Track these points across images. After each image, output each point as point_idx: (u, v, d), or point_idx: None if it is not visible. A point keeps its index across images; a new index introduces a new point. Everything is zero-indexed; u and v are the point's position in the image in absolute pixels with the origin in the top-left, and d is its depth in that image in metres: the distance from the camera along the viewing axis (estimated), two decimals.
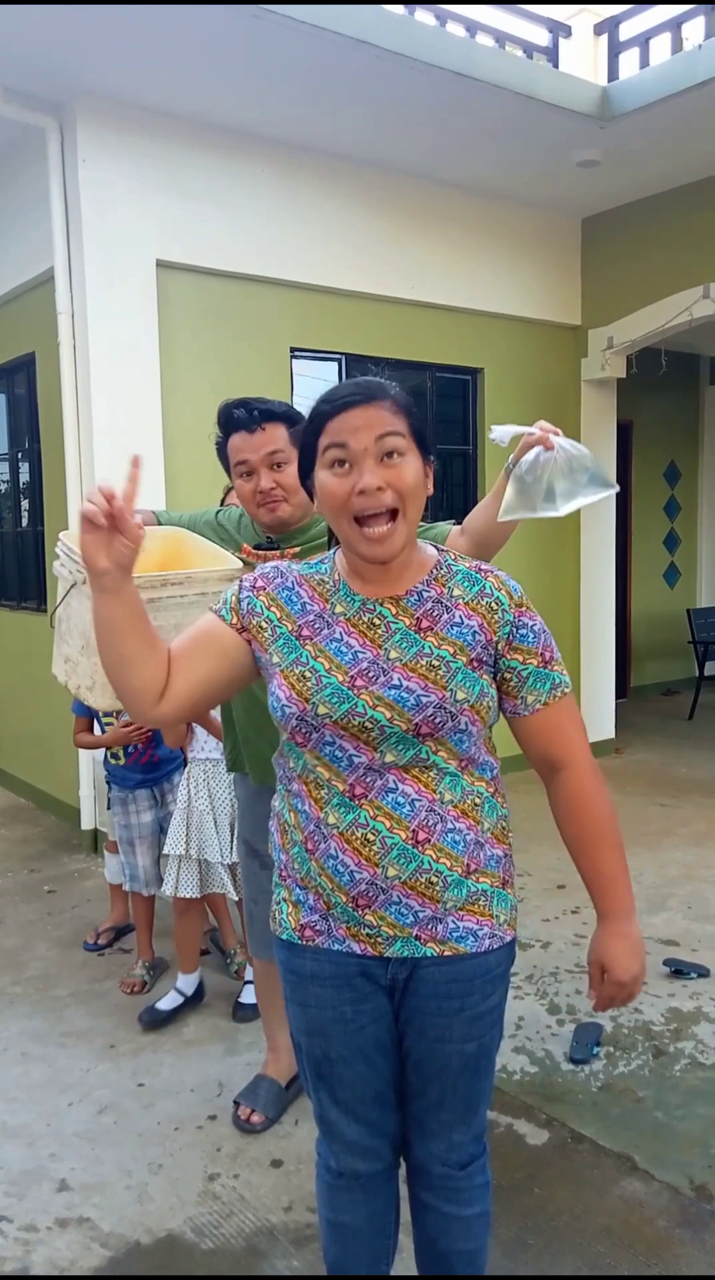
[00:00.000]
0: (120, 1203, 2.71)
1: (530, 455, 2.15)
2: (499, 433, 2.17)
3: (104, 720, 3.86)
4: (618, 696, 7.88)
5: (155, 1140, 2.98)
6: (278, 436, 2.61)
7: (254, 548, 2.76)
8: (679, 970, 3.89)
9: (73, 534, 2.48)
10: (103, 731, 3.90)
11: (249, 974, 3.72)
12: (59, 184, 5.19)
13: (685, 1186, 2.69)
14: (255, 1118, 3.02)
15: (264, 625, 1.81)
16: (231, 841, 3.57)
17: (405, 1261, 2.24)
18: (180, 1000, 3.67)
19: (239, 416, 2.63)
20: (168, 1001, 3.66)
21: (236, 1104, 3.08)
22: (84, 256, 5.13)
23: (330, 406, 1.75)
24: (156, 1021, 3.59)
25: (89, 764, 5.46)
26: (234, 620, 1.83)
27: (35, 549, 6.31)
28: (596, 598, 7.55)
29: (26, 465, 6.40)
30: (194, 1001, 3.71)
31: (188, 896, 3.62)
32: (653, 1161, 2.80)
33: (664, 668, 10.19)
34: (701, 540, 10.60)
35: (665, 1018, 3.59)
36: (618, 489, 2.23)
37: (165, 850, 3.65)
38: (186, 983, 3.71)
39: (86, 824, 5.64)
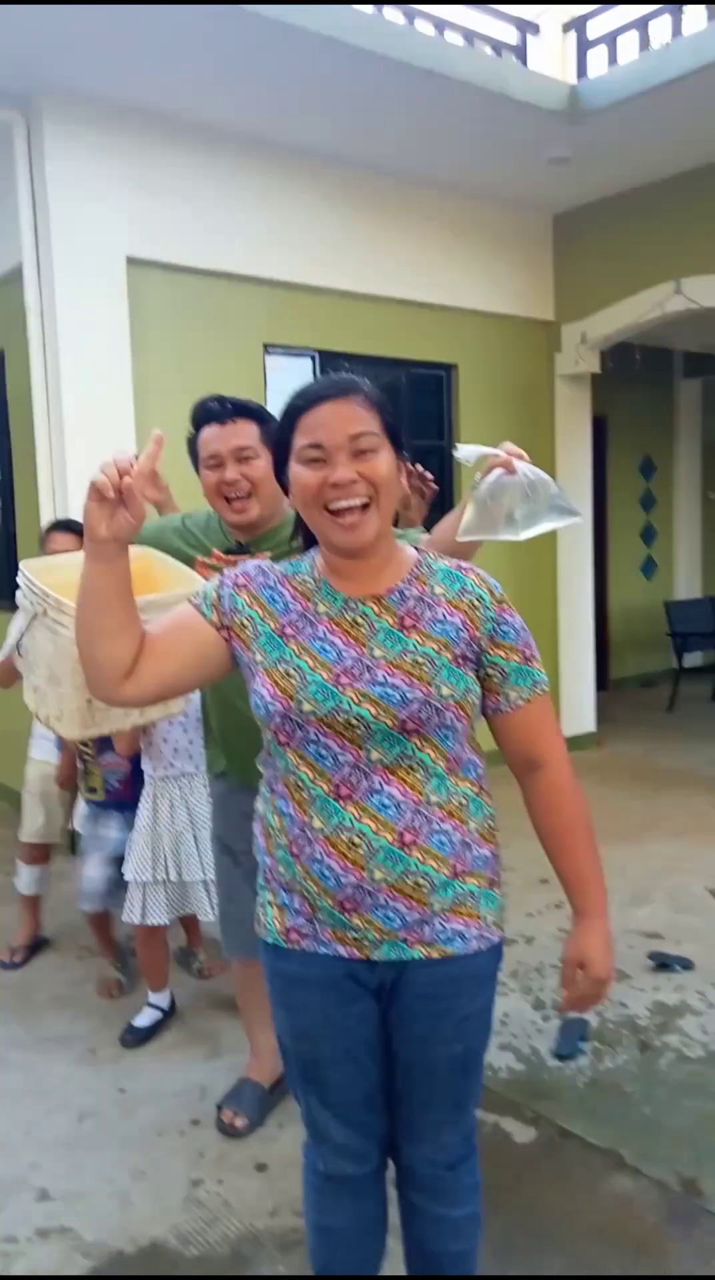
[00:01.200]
0: (102, 1211, 2.67)
1: (491, 476, 2.12)
2: (464, 452, 2.15)
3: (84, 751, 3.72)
4: (597, 689, 7.88)
5: (137, 1147, 2.94)
6: (248, 432, 2.62)
7: (224, 552, 2.74)
8: (664, 963, 3.88)
9: (34, 564, 2.48)
10: (83, 766, 3.75)
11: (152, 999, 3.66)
12: (26, 180, 5.12)
13: (674, 1182, 2.67)
14: (239, 1121, 2.98)
15: (246, 623, 1.80)
16: (202, 859, 3.45)
17: (394, 1265, 2.21)
18: (159, 1015, 3.60)
19: (212, 408, 2.64)
20: (145, 1018, 3.57)
21: (219, 1108, 3.05)
22: (53, 253, 5.07)
23: (304, 402, 1.76)
24: (139, 1039, 3.51)
25: None
26: (214, 617, 1.81)
27: (6, 549, 6.22)
28: (575, 591, 7.56)
29: None
30: (170, 1015, 3.64)
31: (157, 924, 3.47)
32: (641, 1157, 2.78)
33: (642, 660, 10.24)
34: (678, 533, 10.67)
35: (650, 1011, 3.58)
36: (580, 517, 2.22)
37: (127, 876, 3.48)
38: (160, 999, 3.63)
39: None
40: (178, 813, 3.45)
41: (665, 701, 9.04)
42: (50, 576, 2.44)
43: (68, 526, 4.07)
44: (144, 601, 2.38)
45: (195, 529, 2.85)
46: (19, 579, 2.44)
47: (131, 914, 3.48)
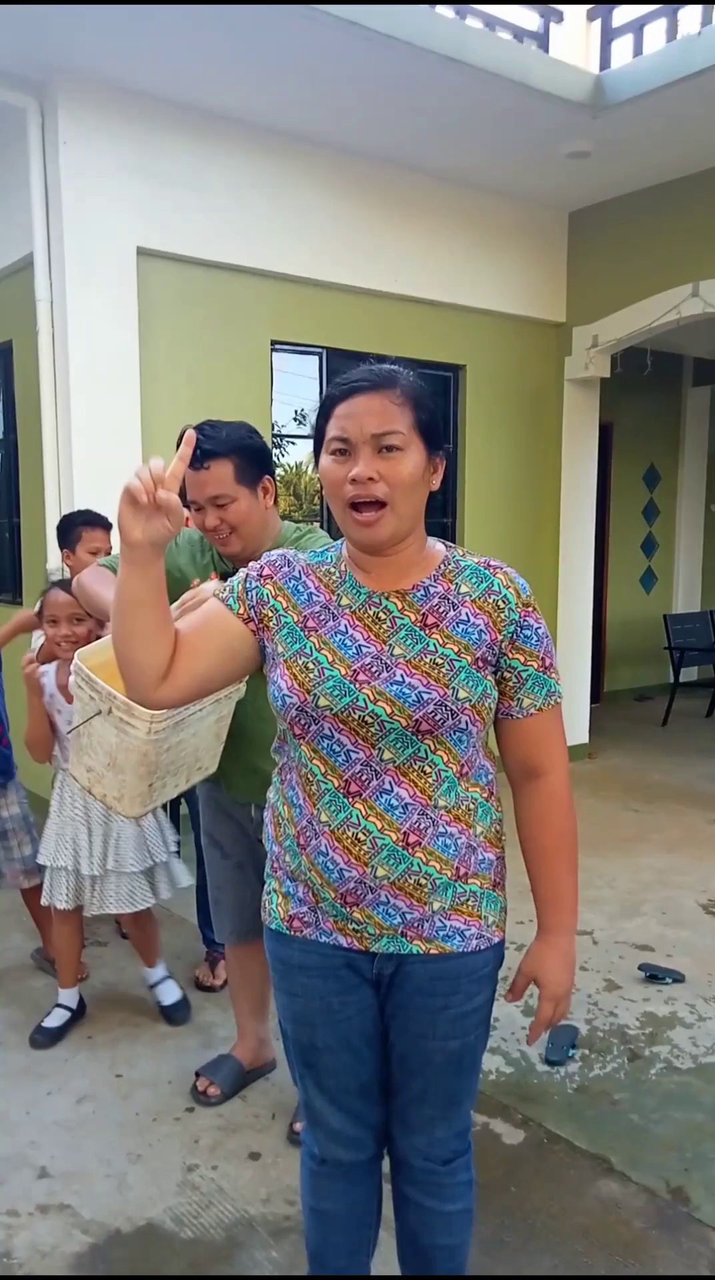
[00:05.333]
0: (100, 1191, 2.72)
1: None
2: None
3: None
4: (591, 701, 7.91)
5: (134, 1131, 2.99)
6: (222, 477, 2.58)
7: (222, 576, 2.76)
8: (654, 975, 3.93)
9: (88, 653, 2.56)
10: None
11: (155, 975, 3.67)
12: (39, 167, 5.07)
13: (661, 1189, 2.72)
14: (212, 1090, 3.13)
15: (270, 614, 1.81)
16: (105, 853, 3.41)
17: (384, 1256, 2.26)
18: (67, 1016, 3.55)
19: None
20: (54, 1019, 3.54)
21: (197, 1075, 3.19)
22: (64, 242, 5.03)
23: (339, 391, 1.75)
24: (49, 1040, 3.47)
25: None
26: (241, 610, 1.82)
27: (11, 541, 6.22)
28: (575, 602, 7.53)
29: (1, 455, 6.30)
30: (79, 1016, 3.60)
31: (61, 906, 3.47)
32: (629, 1163, 2.83)
33: (637, 673, 10.21)
34: (679, 545, 10.54)
35: (640, 1022, 3.63)
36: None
37: (39, 859, 3.50)
38: (68, 996, 3.59)
39: None
40: (76, 805, 3.42)
41: (660, 716, 9.05)
42: (97, 659, 2.55)
43: (95, 521, 4.09)
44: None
45: (186, 551, 2.88)
46: (73, 676, 2.51)
47: (44, 894, 3.51)
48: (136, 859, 3.44)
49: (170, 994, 3.66)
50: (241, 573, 1.88)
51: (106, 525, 4.02)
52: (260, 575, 1.85)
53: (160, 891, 3.56)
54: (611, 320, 6.92)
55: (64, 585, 3.32)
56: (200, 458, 2.55)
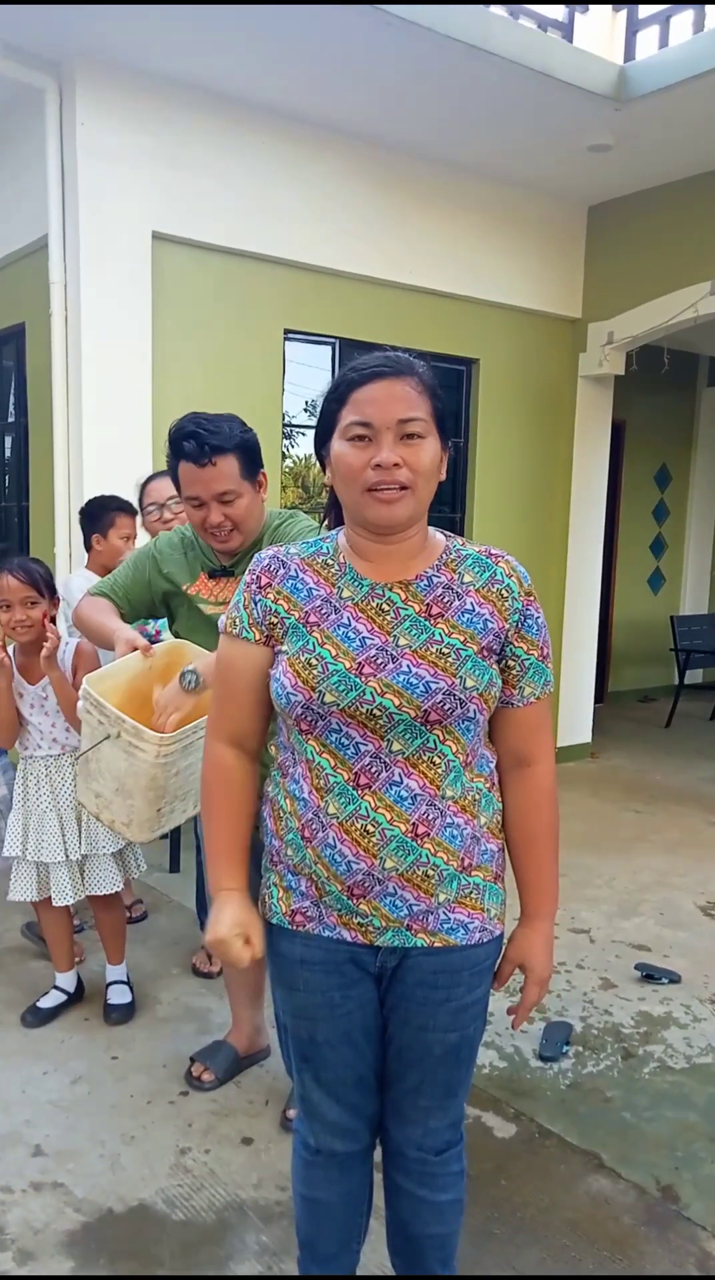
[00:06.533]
0: (93, 1170, 2.74)
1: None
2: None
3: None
4: (595, 701, 7.92)
5: (128, 1112, 3.01)
6: (228, 474, 2.56)
7: (209, 575, 2.79)
8: (650, 975, 3.94)
9: (96, 678, 2.61)
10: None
11: (113, 974, 3.65)
12: (56, 148, 5.05)
13: (651, 1187, 2.73)
14: (207, 1076, 3.16)
15: (277, 622, 1.80)
16: (80, 834, 3.43)
17: (375, 1246, 2.28)
18: (63, 998, 3.59)
19: (188, 449, 2.54)
20: (49, 1000, 3.57)
21: (192, 1060, 3.21)
22: (79, 224, 5.02)
23: (358, 375, 1.75)
24: (39, 1020, 3.49)
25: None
26: (257, 636, 1.82)
27: (20, 525, 6.23)
28: (581, 600, 7.51)
29: (11, 438, 6.31)
30: (75, 999, 3.63)
31: (25, 900, 3.48)
32: (619, 1160, 2.84)
33: (642, 674, 10.20)
34: (689, 546, 10.52)
35: (635, 1021, 3.64)
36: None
37: (4, 851, 3.49)
38: (65, 980, 3.62)
39: None
40: (41, 792, 3.41)
41: (663, 718, 9.06)
42: (104, 685, 2.58)
43: (126, 507, 4.08)
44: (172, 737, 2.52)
45: (173, 550, 2.88)
46: (82, 701, 2.53)
47: (12, 889, 3.49)
48: (109, 841, 3.46)
49: (122, 996, 3.61)
50: (241, 593, 1.86)
51: (133, 511, 4.05)
52: (260, 586, 1.83)
53: (130, 870, 3.59)
54: (628, 317, 6.87)
55: (17, 569, 3.28)
56: (208, 453, 2.52)
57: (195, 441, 2.52)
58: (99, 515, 4.06)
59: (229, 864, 1.88)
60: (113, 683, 2.64)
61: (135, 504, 4.05)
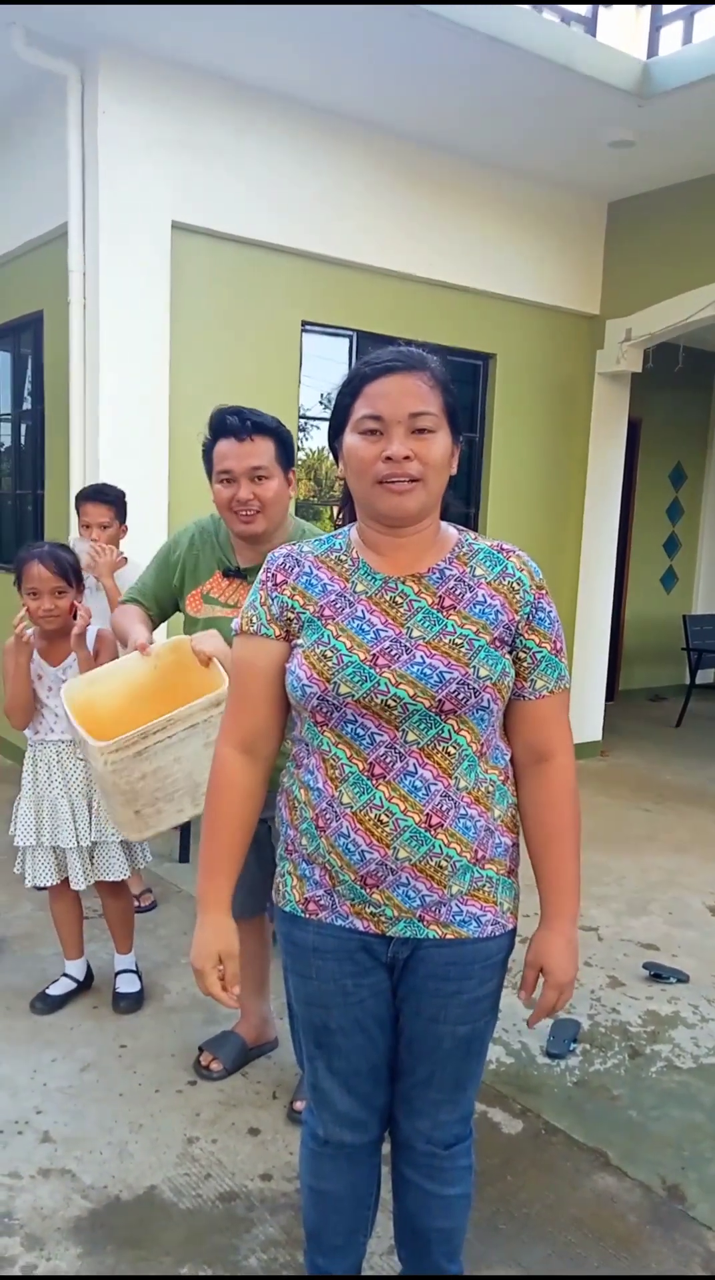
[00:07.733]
0: (101, 1158, 2.76)
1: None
2: None
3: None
4: (606, 699, 7.90)
5: (136, 1101, 3.02)
6: (264, 451, 2.64)
7: (223, 574, 2.83)
8: (658, 974, 3.94)
9: (75, 686, 2.70)
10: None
11: (122, 963, 3.66)
12: (77, 136, 5.06)
13: (657, 1186, 2.74)
14: (215, 1065, 3.18)
15: (293, 617, 1.82)
16: (90, 821, 3.41)
17: (382, 1240, 2.28)
18: (72, 986, 3.61)
19: (231, 423, 2.64)
20: (59, 987, 3.59)
21: (201, 1049, 3.23)
22: (99, 213, 5.02)
23: (371, 369, 1.76)
24: (49, 1007, 3.51)
25: None
26: (277, 631, 1.83)
27: (34, 511, 6.25)
28: (594, 597, 7.51)
29: (28, 425, 6.32)
30: (85, 987, 3.65)
31: (45, 885, 3.47)
32: (625, 1159, 2.84)
33: (653, 673, 10.19)
34: (702, 545, 10.49)
35: (643, 1020, 3.64)
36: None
37: (16, 841, 3.47)
38: (75, 968, 3.64)
39: None
40: (53, 778, 3.41)
41: (674, 717, 9.05)
42: (98, 688, 2.60)
43: (98, 495, 4.15)
44: (161, 722, 2.63)
45: (189, 550, 2.93)
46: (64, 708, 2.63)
47: (27, 878, 3.49)
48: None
49: (130, 985, 3.63)
50: (256, 592, 1.88)
51: (111, 502, 4.21)
52: (276, 584, 1.85)
53: (137, 860, 3.58)
54: (646, 314, 6.84)
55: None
56: (250, 428, 2.62)
57: (239, 418, 2.63)
58: (77, 509, 4.15)
59: (215, 877, 1.89)
60: (85, 694, 2.67)
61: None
